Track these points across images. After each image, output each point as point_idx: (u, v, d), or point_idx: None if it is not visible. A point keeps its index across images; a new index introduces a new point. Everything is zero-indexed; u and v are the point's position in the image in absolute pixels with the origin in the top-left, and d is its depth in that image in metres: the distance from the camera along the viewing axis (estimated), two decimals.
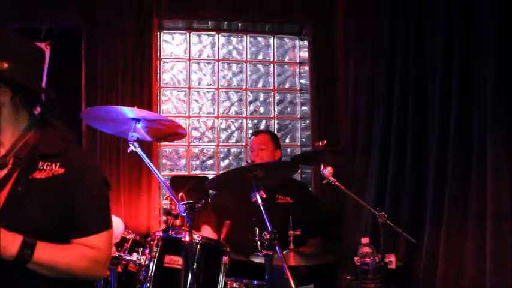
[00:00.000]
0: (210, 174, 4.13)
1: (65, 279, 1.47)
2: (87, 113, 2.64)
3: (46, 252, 1.40)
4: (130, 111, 2.33)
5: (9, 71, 1.46)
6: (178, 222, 2.73)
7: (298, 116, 4.39)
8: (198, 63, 4.29)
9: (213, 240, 2.89)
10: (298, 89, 4.40)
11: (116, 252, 2.71)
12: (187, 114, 4.22)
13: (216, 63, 4.30)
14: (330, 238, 3.46)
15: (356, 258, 2.69)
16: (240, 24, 4.25)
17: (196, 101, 4.26)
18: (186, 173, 4.16)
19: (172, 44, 4.25)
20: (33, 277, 1.41)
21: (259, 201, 2.30)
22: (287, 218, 2.80)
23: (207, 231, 3.36)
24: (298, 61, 4.42)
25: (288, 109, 4.41)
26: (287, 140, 4.35)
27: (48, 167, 1.48)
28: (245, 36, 4.35)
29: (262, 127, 4.31)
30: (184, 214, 2.16)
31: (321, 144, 2.99)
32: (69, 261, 1.45)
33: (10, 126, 1.52)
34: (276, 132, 4.10)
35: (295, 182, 3.73)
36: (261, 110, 4.37)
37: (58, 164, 1.48)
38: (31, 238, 1.38)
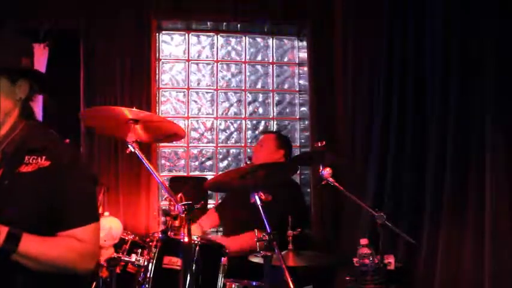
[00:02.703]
0: (209, 175, 4.13)
1: (55, 274, 1.46)
2: (86, 113, 2.64)
3: (32, 244, 1.40)
4: (128, 112, 2.33)
5: (29, 67, 1.55)
6: (177, 223, 2.72)
7: (297, 117, 4.39)
8: (197, 64, 4.29)
9: (212, 241, 2.88)
10: (297, 89, 4.40)
11: (115, 253, 2.70)
12: (186, 115, 4.21)
13: (215, 64, 4.30)
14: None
15: (355, 259, 2.69)
16: (238, 25, 4.25)
17: (195, 101, 4.26)
18: (185, 174, 4.15)
19: (171, 44, 4.25)
20: (20, 271, 1.41)
21: (258, 202, 2.30)
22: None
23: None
24: (297, 62, 4.42)
25: (287, 110, 4.41)
26: None
27: (34, 160, 1.49)
28: (244, 37, 4.35)
29: (261, 128, 4.31)
30: (183, 215, 2.16)
31: (319, 144, 2.99)
32: (55, 253, 1.44)
33: (11, 121, 1.55)
34: None
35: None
36: (260, 110, 4.37)
37: (44, 157, 1.50)
38: (17, 230, 1.38)
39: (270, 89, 4.38)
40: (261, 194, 2.31)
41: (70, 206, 1.49)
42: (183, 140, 4.03)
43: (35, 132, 1.57)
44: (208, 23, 4.21)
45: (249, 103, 4.34)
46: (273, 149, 3.46)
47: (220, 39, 4.32)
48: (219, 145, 4.26)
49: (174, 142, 3.99)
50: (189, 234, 2.16)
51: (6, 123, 1.53)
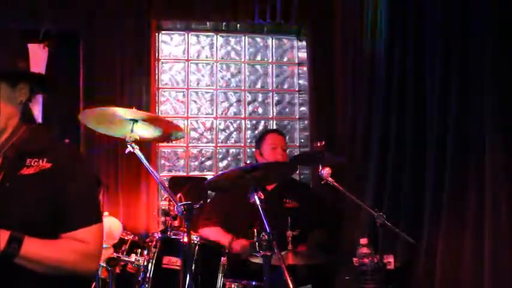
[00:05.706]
0: (209, 175, 4.13)
1: (58, 276, 1.46)
2: (86, 114, 2.63)
3: (34, 247, 1.40)
4: (128, 112, 2.33)
5: (27, 69, 1.54)
6: (176, 223, 2.73)
7: (297, 117, 4.38)
8: (197, 64, 4.29)
9: (211, 241, 2.88)
10: (297, 89, 4.40)
11: (114, 254, 2.71)
12: (185, 115, 4.21)
13: (215, 63, 4.30)
14: (330, 235, 3.44)
15: (355, 259, 2.68)
16: (238, 25, 4.25)
17: (195, 101, 4.26)
18: (184, 174, 4.15)
19: (171, 44, 4.25)
20: (23, 274, 1.41)
21: (257, 202, 2.30)
22: (295, 221, 2.80)
23: (219, 233, 3.22)
24: (296, 62, 4.42)
25: (287, 110, 4.40)
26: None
27: (36, 162, 1.49)
28: (243, 37, 4.35)
29: (261, 128, 4.31)
30: (183, 215, 2.16)
31: (319, 144, 2.99)
32: (58, 255, 1.44)
33: (12, 125, 1.54)
34: None
35: (302, 185, 3.84)
36: (260, 110, 4.36)
37: (45, 160, 1.49)
38: (19, 233, 1.38)
39: (270, 88, 4.38)
40: (260, 193, 2.30)
41: (72, 207, 1.49)
42: (182, 140, 4.03)
43: (36, 135, 1.57)
44: (208, 23, 4.21)
45: (249, 103, 4.34)
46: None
47: (219, 39, 4.32)
48: (218, 145, 4.25)
49: (173, 142, 3.99)
50: (189, 234, 2.16)
51: (8, 127, 1.53)
